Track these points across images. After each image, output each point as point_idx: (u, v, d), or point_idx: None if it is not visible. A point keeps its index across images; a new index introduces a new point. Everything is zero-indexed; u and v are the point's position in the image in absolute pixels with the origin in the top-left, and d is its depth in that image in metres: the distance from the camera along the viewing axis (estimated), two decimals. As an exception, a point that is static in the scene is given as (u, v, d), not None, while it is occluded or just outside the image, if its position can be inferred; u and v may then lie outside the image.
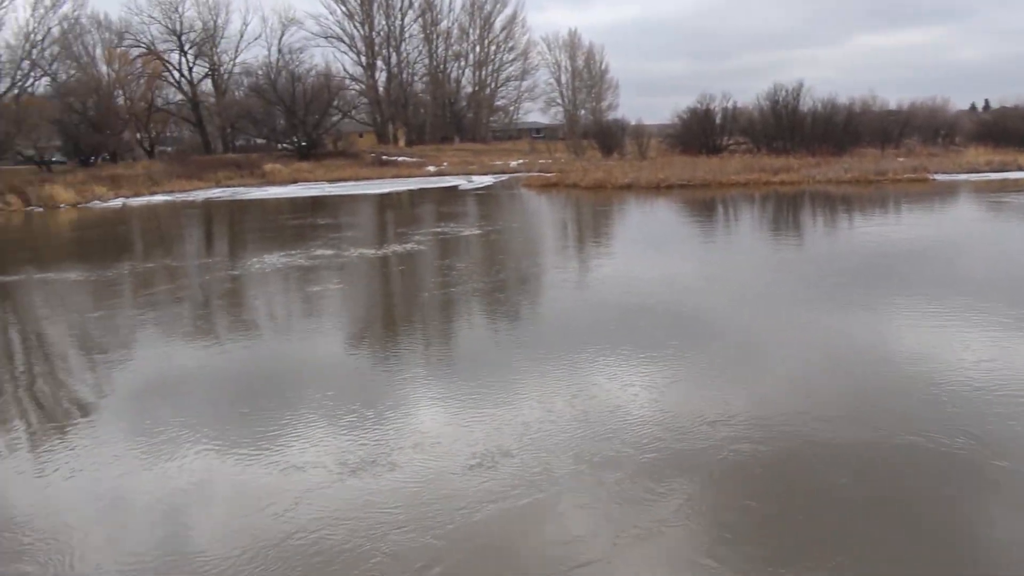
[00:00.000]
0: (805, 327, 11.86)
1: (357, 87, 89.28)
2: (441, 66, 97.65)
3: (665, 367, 9.92)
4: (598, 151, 62.14)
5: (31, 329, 14.22)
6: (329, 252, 20.70)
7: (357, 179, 54.24)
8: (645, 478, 6.76)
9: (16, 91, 61.62)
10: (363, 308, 14.63)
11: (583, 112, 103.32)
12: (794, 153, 50.85)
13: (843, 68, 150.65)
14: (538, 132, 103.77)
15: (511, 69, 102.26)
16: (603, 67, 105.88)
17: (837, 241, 21.38)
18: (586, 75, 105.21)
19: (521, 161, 64.09)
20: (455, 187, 45.74)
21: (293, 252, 20.89)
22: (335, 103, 72.86)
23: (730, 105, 59.39)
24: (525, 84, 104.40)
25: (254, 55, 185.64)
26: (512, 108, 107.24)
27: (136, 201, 44.44)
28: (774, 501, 6.36)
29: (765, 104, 57.41)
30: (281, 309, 14.62)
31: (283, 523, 6.25)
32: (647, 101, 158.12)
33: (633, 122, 64.60)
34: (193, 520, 6.39)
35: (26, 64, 62.18)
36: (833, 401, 8.53)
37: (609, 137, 62.44)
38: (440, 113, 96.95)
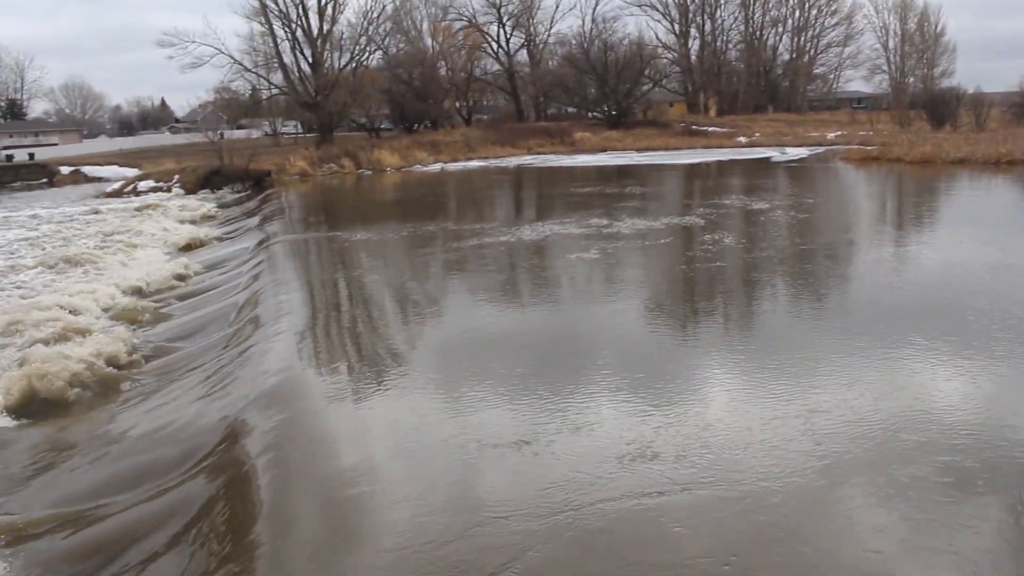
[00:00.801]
0: None
1: (669, 56, 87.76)
2: (757, 32, 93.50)
3: (997, 371, 7.99)
4: (926, 122, 56.28)
5: (355, 281, 14.69)
6: (633, 220, 19.84)
7: (666, 148, 53.06)
8: (956, 503, 5.31)
9: (354, 65, 66.49)
10: (663, 278, 13.62)
11: (911, 80, 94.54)
12: None
13: None
14: (859, 102, 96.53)
15: (833, 34, 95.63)
16: (938, 29, 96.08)
17: None
18: (917, 39, 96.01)
19: (839, 133, 59.60)
20: (767, 159, 43.20)
21: (597, 219, 20.28)
22: (646, 72, 71.90)
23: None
24: (847, 50, 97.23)
25: (568, 25, 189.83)
26: (832, 76, 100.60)
27: (453, 166, 46.31)
28: None
29: None
30: (580, 274, 13.96)
31: (558, 489, 5.77)
32: (989, 66, 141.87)
33: (970, 90, 57.89)
34: (477, 470, 6.26)
35: (363, 40, 66.88)
36: None
37: (941, 107, 56.21)
38: (753, 82, 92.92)
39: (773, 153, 46.98)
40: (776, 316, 10.78)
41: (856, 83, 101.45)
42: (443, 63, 72.36)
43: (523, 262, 14.98)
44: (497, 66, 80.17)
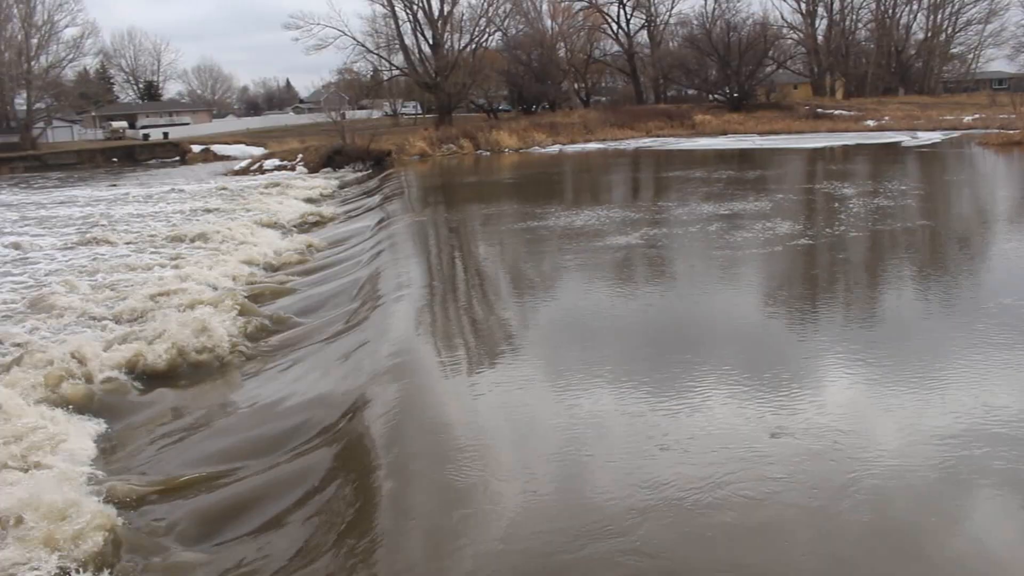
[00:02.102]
0: None
1: (794, 36, 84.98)
2: (889, 11, 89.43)
3: None
4: (1080, 104, 52.81)
5: (472, 260, 14.74)
6: (752, 205, 19.22)
7: (789, 132, 51.50)
8: None
9: (473, 46, 66.86)
10: (785, 265, 13.09)
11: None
12: None
13: None
14: (1000, 83, 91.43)
15: (974, 11, 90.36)
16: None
17: None
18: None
19: (977, 116, 56.56)
20: (896, 143, 41.33)
21: (715, 203, 19.76)
22: (770, 53, 69.85)
23: None
24: (990, 28, 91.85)
25: (690, 5, 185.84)
26: (970, 56, 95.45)
27: (571, 148, 46.09)
28: None
29: None
30: (697, 260, 13.59)
31: (669, 484, 5.57)
32: None
33: None
34: (584, 449, 6.21)
35: (483, 21, 67.17)
36: None
37: (1097, 88, 52.71)
38: (884, 63, 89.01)
39: (903, 137, 45.00)
40: (907, 309, 10.24)
41: (998, 63, 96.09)
42: (562, 44, 72.05)
43: (639, 245, 14.69)
44: (617, 47, 79.35)
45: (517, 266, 13.82)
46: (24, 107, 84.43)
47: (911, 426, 6.31)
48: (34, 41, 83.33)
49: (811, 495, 5.32)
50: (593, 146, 47.00)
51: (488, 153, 45.80)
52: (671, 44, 78.94)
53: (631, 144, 47.24)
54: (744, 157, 36.31)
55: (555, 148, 46.39)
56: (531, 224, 17.78)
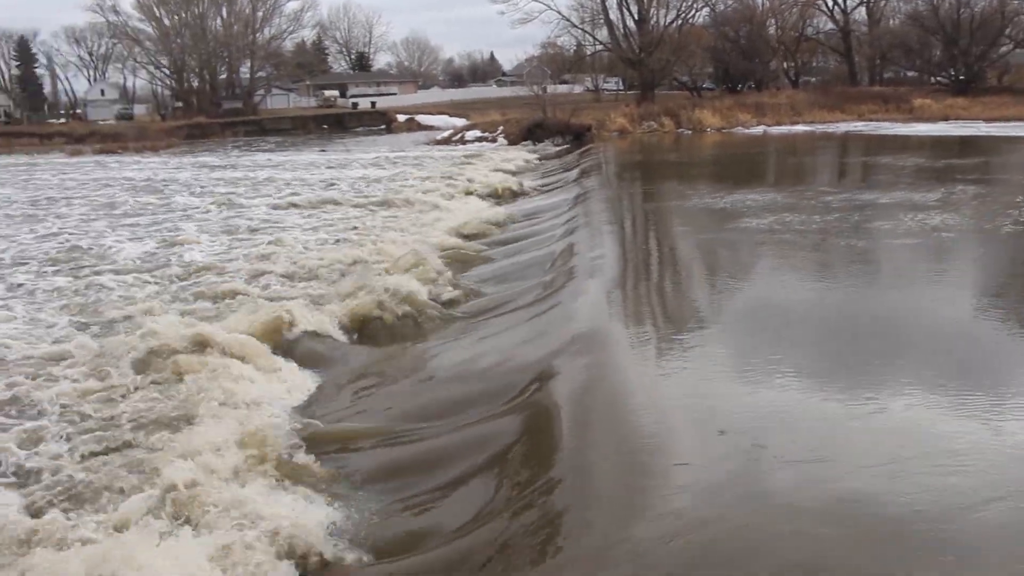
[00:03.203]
0: None
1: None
2: None
3: None
4: None
5: (665, 240, 14.49)
6: (970, 199, 17.66)
7: (1021, 119, 47.31)
8: None
9: (679, 22, 65.43)
10: (993, 262, 11.94)
11: None
12: None
13: None
14: None
15: None
16: None
17: None
18: None
19: None
20: None
21: (925, 193, 18.30)
22: (1007, 31, 64.28)
23: None
24: None
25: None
26: None
27: (776, 130, 44.41)
28: None
29: None
30: (900, 255, 12.65)
31: (849, 489, 5.21)
32: None
33: None
34: (761, 441, 5.92)
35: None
36: None
37: None
38: None
39: None
40: None
41: None
42: (773, 21, 69.25)
43: (838, 237, 13.87)
44: (831, 25, 75.39)
45: (710, 248, 13.50)
46: (247, 76, 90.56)
47: None
48: (259, 14, 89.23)
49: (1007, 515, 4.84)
50: (800, 128, 45.07)
51: (689, 132, 44.87)
52: (891, 22, 74.19)
53: (840, 127, 44.94)
54: (967, 145, 33.66)
55: (759, 129, 44.82)
56: (728, 206, 17.25)
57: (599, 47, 69.78)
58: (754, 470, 5.58)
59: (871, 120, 49.02)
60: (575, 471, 5.77)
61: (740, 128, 45.55)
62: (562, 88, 70.74)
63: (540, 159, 36.77)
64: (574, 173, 27.56)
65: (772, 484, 5.37)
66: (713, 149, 35.56)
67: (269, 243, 17.38)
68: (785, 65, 70.25)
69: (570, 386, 7.27)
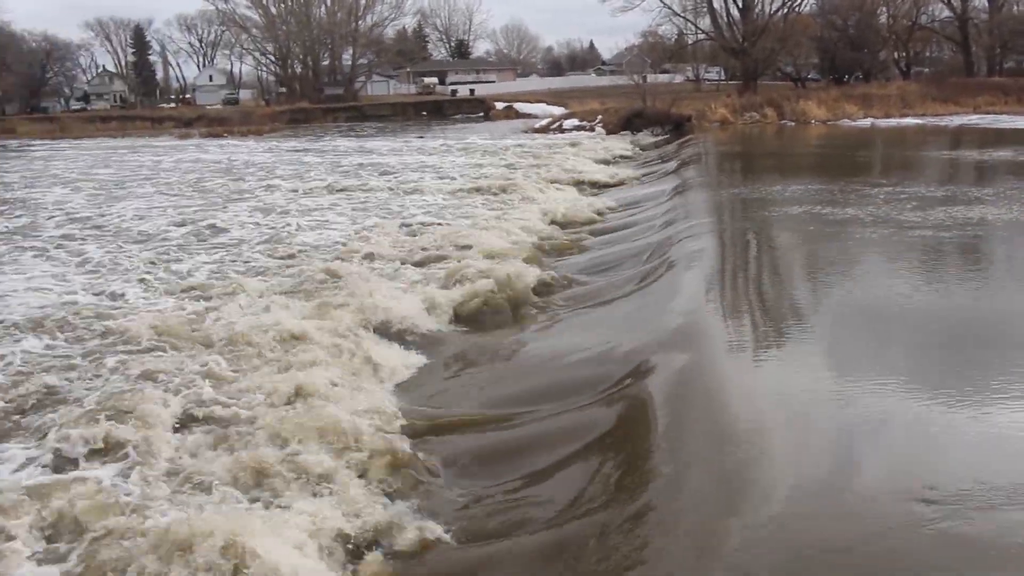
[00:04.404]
0: None
1: None
2: None
3: None
4: None
5: (765, 234, 14.15)
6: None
7: None
8: None
9: (785, 10, 63.82)
10: None
11: None
12: None
13: None
14: None
15: None
16: None
17: None
18: None
19: None
20: None
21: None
22: None
23: None
24: None
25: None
26: None
27: (884, 122, 42.95)
28: None
29: None
30: (1019, 258, 11.99)
31: (949, 495, 5.02)
32: None
33: None
34: (857, 447, 5.76)
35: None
36: None
37: None
38: None
39: None
40: None
41: None
42: (883, 9, 66.93)
43: (949, 236, 13.26)
44: (947, 12, 72.42)
45: (812, 243, 13.11)
46: (349, 62, 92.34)
47: None
48: (362, 2, 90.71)
49: None
50: (909, 121, 43.45)
51: (792, 123, 43.76)
52: (1016, 7, 70.73)
53: (954, 120, 43.16)
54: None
55: (866, 121, 43.39)
56: (831, 200, 16.76)
57: (701, 36, 68.60)
58: (849, 472, 5.45)
59: (987, 112, 46.91)
60: (670, 464, 5.73)
61: (846, 120, 44.19)
62: (662, 77, 69.97)
63: (638, 149, 36.44)
64: (673, 163, 27.20)
65: (867, 487, 5.22)
66: (818, 141, 34.61)
67: (368, 227, 17.67)
68: (896, 55, 67.83)
69: (666, 379, 7.22)
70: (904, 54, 68.55)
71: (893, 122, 43.18)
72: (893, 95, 49.83)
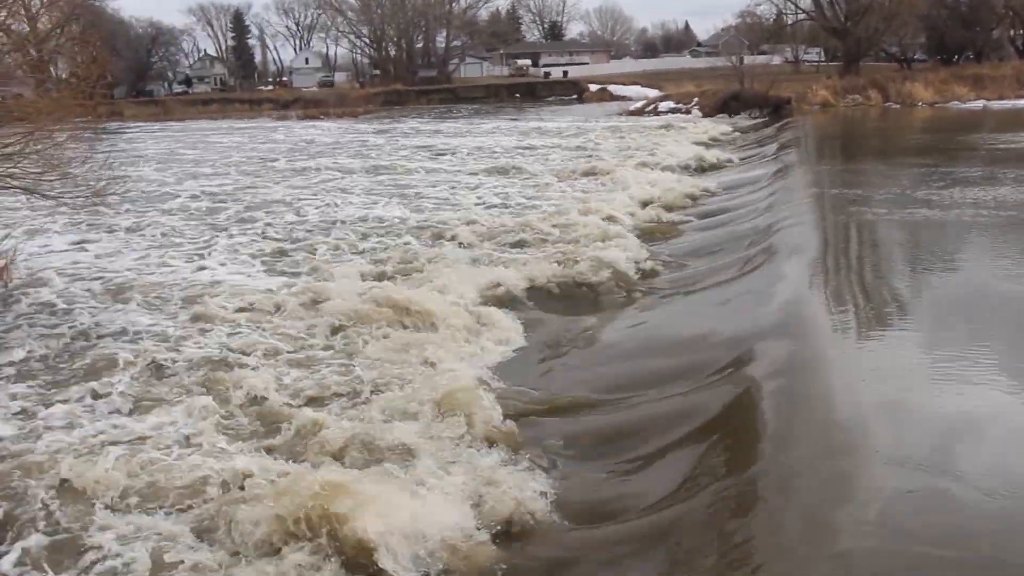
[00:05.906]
0: None
1: None
2: None
3: None
4: None
5: (867, 222, 13.75)
6: None
7: None
8: None
9: (892, -12, 61.65)
10: None
11: None
12: None
13: None
14: None
15: None
16: None
17: None
18: None
19: None
20: None
21: None
22: None
23: None
24: None
25: None
26: None
27: (998, 104, 41.08)
28: None
29: None
30: None
31: None
32: None
33: None
34: (960, 448, 5.58)
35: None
36: None
37: None
38: None
39: None
40: None
41: None
42: (1000, -14, 64.04)
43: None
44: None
45: (916, 232, 12.70)
46: (443, 44, 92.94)
47: None
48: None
49: None
50: (1028, 102, 41.50)
51: (898, 106, 42.30)
52: None
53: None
54: None
55: (978, 104, 41.58)
56: (937, 187, 16.16)
57: (801, 15, 66.77)
58: (956, 466, 5.30)
59: (1116, 94, 44.47)
60: (775, 452, 5.69)
61: (956, 103, 42.46)
62: (760, 59, 68.32)
63: (736, 132, 35.80)
64: (772, 147, 26.65)
65: (974, 482, 5.09)
66: (925, 125, 33.39)
67: (465, 207, 17.84)
68: (1012, 33, 64.73)
69: (771, 368, 7.14)
70: (1021, 32, 65.34)
71: (1008, 104, 41.24)
72: (1009, 75, 47.53)
